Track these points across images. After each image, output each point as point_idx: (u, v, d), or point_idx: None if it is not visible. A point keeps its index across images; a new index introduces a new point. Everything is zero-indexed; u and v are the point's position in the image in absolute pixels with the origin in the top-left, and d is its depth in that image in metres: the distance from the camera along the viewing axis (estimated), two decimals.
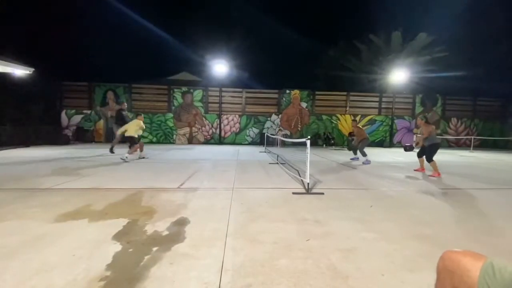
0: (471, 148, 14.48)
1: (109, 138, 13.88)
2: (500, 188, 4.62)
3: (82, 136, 13.45)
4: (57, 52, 16.32)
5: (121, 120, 8.19)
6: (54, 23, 16.91)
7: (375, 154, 10.51)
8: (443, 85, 16.05)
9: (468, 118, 16.65)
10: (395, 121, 15.73)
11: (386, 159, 7.96)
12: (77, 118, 13.84)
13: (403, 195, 3.99)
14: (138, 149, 7.48)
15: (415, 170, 6.35)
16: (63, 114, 13.75)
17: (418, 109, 16.11)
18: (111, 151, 8.08)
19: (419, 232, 2.47)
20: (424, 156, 6.11)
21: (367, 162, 7.51)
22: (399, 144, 15.53)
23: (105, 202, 3.19)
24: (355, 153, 8.15)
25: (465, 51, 16.08)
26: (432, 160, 5.89)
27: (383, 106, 15.84)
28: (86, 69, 17.55)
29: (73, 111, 13.84)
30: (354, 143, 8.15)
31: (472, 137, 15.12)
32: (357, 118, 15.45)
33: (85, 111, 13.90)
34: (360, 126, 8.80)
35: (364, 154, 7.68)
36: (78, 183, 4.20)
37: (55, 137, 11.66)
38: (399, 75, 14.58)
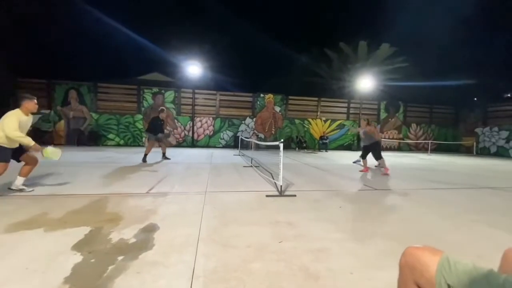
0: (429, 151, 15.78)
1: (70, 140, 12.91)
2: (455, 188, 5.07)
3: (40, 138, 12.33)
4: (12, 45, 14.82)
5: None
6: (9, 13, 15.38)
7: (345, 157, 10.99)
8: (405, 93, 17.35)
9: (425, 124, 18.16)
10: None
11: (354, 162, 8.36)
12: (33, 119, 12.67)
13: (369, 195, 4.20)
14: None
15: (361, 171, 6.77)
16: None
17: (383, 114, 17.21)
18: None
19: (385, 231, 2.62)
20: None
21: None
22: None
23: (64, 210, 2.94)
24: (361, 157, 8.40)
25: (423, 63, 17.53)
26: (382, 157, 6.60)
27: (351, 111, 16.68)
28: (46, 65, 16.16)
29: None
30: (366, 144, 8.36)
31: (430, 141, 16.52)
32: (328, 123, 16.09)
33: (43, 111, 12.79)
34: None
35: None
36: (33, 189, 3.83)
37: None
38: (365, 83, 15.48)
